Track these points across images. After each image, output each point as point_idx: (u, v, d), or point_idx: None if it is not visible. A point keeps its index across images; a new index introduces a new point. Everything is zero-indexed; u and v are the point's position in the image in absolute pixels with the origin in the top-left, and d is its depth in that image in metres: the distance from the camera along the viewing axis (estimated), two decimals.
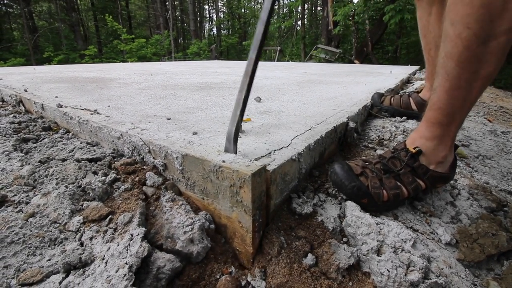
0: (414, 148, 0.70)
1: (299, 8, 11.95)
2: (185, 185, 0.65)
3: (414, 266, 0.51)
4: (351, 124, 0.99)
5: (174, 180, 0.68)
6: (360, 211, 0.64)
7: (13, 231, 0.55)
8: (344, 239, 0.63)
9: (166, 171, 0.69)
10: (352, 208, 0.65)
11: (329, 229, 0.63)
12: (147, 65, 4.28)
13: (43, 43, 15.90)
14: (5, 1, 16.27)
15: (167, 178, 0.70)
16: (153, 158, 0.71)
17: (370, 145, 1.07)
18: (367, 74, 2.98)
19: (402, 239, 0.56)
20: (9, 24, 17.50)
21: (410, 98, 1.15)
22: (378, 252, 0.55)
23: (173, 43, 14.14)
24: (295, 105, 1.21)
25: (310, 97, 1.40)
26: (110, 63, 7.71)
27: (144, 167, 0.73)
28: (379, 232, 0.58)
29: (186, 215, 0.55)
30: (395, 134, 1.12)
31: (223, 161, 0.56)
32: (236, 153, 0.61)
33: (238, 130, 0.61)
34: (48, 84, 1.76)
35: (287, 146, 0.69)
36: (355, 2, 8.59)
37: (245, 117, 0.96)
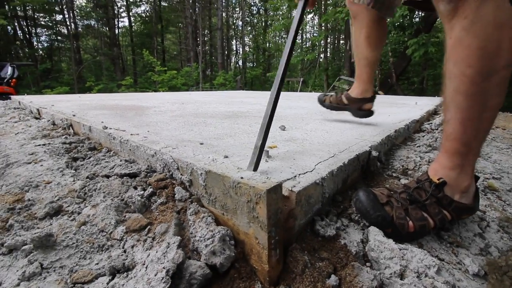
0: (438, 179, 0.71)
1: (322, 42, 12.42)
2: (207, 201, 0.70)
3: None
4: (374, 153, 1.01)
5: (198, 196, 0.73)
6: (383, 236, 0.66)
7: (68, 237, 0.63)
8: (368, 264, 0.64)
9: (192, 187, 0.75)
10: (375, 233, 0.66)
11: (352, 253, 0.64)
12: (177, 95, 4.60)
13: (86, 73, 17.62)
14: (59, 38, 18.51)
15: (192, 194, 0.76)
16: (181, 174, 0.78)
17: (394, 175, 1.08)
18: (391, 105, 2.99)
19: (426, 265, 0.57)
20: (59, 56, 19.70)
21: (342, 95, 1.51)
22: (401, 276, 0.56)
23: (201, 74, 15.06)
24: (318, 133, 1.27)
25: (333, 126, 1.45)
26: (143, 92, 8.32)
27: (173, 181, 0.80)
28: (402, 257, 0.59)
29: (207, 228, 0.59)
30: (420, 164, 1.13)
31: (242, 178, 0.59)
32: (256, 169, 0.66)
33: (262, 147, 0.70)
34: (93, 111, 1.97)
35: (311, 171, 0.74)
36: None
37: (271, 144, 1.03)
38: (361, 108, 1.48)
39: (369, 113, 1.49)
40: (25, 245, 0.59)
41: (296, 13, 0.88)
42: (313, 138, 1.17)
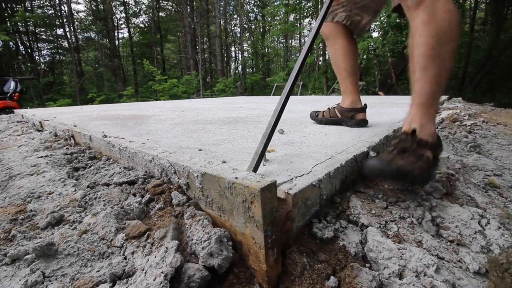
0: (410, 129, 0.87)
1: (320, 45, 12.52)
2: (204, 203, 0.70)
3: None
4: (372, 154, 1.02)
5: (196, 199, 0.74)
6: (382, 236, 0.66)
7: (69, 245, 0.63)
8: (367, 264, 0.64)
9: (189, 190, 0.76)
10: (373, 234, 0.67)
11: (351, 254, 0.64)
12: (178, 103, 4.63)
13: (88, 85, 17.82)
14: (60, 51, 18.83)
15: (190, 197, 0.76)
16: (178, 178, 0.79)
17: None
18: (391, 105, 2.99)
19: (424, 264, 0.57)
20: (61, 69, 19.97)
21: (335, 109, 1.61)
22: (400, 276, 0.56)
23: (201, 82, 15.18)
24: (316, 136, 1.27)
25: (332, 129, 1.46)
26: (145, 101, 8.40)
27: (171, 186, 0.81)
28: (401, 256, 0.59)
29: (203, 231, 0.59)
30: None
31: (236, 178, 0.60)
32: (256, 170, 0.67)
33: (264, 150, 0.75)
34: (95, 122, 1.99)
35: (308, 173, 0.74)
36: (375, 36, 8.85)
37: (269, 148, 1.04)
38: (354, 117, 1.55)
39: (363, 122, 1.53)
40: (27, 255, 0.60)
41: (321, 11, 1.03)
42: (311, 140, 1.18)
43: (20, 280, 0.56)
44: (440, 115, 2.52)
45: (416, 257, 0.59)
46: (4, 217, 0.76)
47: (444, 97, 4.13)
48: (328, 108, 1.67)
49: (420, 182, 0.86)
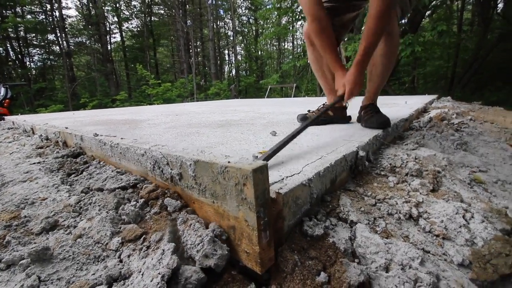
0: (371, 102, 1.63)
1: None
2: (197, 191, 0.71)
3: (421, 282, 0.54)
4: (361, 153, 1.05)
5: (188, 188, 0.75)
6: (370, 232, 0.68)
7: (64, 249, 0.64)
8: (356, 260, 0.66)
9: (182, 180, 0.77)
10: (362, 230, 0.69)
11: (341, 250, 0.67)
12: (172, 106, 4.63)
13: (80, 90, 17.64)
14: (51, 57, 18.63)
15: (182, 187, 0.77)
16: (171, 169, 0.80)
17: (382, 173, 1.11)
18: (382, 105, 3.03)
19: (410, 257, 0.59)
20: (52, 75, 19.73)
21: (325, 108, 1.76)
22: (387, 269, 0.58)
23: (195, 85, 15.16)
24: (308, 137, 1.30)
25: (323, 129, 1.49)
26: (138, 106, 8.36)
27: (165, 191, 0.82)
28: (387, 251, 0.62)
29: (195, 234, 0.61)
30: (407, 161, 1.16)
31: (229, 162, 0.62)
32: (267, 160, 0.75)
33: (281, 147, 0.93)
34: (87, 127, 1.99)
35: (298, 173, 0.77)
36: None
37: (260, 149, 1.06)
38: (345, 115, 1.74)
39: (350, 118, 1.80)
40: (22, 260, 0.60)
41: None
42: (302, 141, 1.20)
43: (15, 285, 0.56)
44: (428, 114, 2.58)
45: (402, 251, 0.61)
46: None
47: (433, 97, 4.22)
48: (318, 109, 1.71)
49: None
